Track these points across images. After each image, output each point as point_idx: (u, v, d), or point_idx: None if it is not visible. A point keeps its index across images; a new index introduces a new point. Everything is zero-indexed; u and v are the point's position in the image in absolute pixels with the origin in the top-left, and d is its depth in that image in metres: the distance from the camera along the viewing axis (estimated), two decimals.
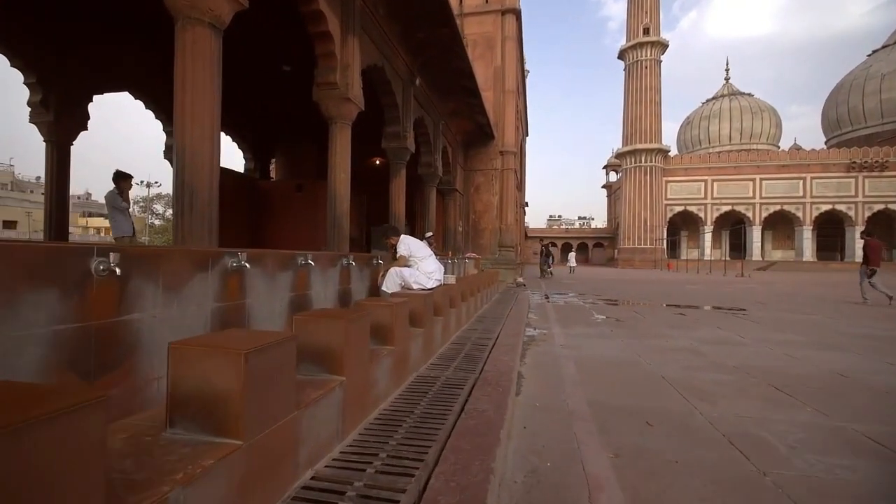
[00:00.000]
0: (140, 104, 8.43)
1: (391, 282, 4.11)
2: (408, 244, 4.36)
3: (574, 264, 31.37)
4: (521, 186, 21.86)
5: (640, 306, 9.04)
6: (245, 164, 11.45)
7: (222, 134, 11.04)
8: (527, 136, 28.09)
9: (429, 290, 4.21)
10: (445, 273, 5.36)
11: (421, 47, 7.79)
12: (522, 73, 20.08)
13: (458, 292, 5.02)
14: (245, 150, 11.25)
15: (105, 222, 65.63)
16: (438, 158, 10.34)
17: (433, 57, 8.24)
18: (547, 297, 10.62)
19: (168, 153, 8.99)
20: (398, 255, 4.30)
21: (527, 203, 35.65)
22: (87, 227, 63.52)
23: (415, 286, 4.18)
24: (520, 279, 13.92)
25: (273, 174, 12.67)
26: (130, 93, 8.10)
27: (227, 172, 10.66)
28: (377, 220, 15.47)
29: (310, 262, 3.11)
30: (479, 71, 13.67)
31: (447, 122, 11.17)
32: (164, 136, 8.86)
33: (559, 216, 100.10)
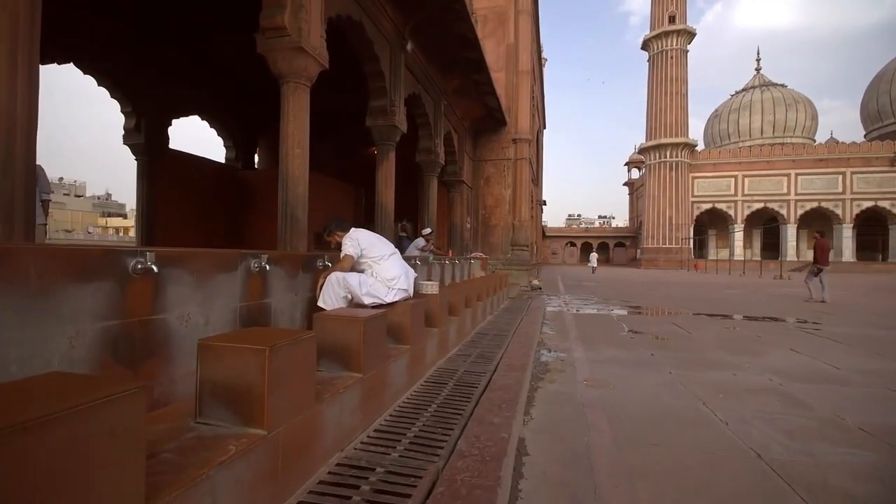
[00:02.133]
0: (90, 80, 7.30)
1: (331, 294, 2.78)
2: (357, 240, 3.02)
3: (595, 265, 30.21)
4: (537, 181, 20.35)
5: (679, 316, 7.52)
6: (226, 154, 10.27)
7: (198, 118, 9.96)
8: (544, 128, 26.51)
9: (387, 304, 2.87)
10: (424, 279, 4.04)
11: (413, 3, 6.45)
12: (539, 55, 18.48)
13: (442, 305, 3.66)
14: (225, 137, 10.07)
15: (125, 222, 66.52)
16: (440, 144, 9.00)
17: (429, 17, 6.88)
18: (566, 304, 9.17)
19: (128, 138, 7.87)
20: (342, 256, 2.97)
21: (545, 201, 34.04)
22: (106, 227, 64.53)
23: (367, 300, 2.84)
24: (535, 282, 12.47)
25: (258, 163, 11.47)
26: (77, 65, 6.97)
27: (203, 162, 9.54)
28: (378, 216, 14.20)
29: (151, 265, 1.79)
30: (490, 49, 12.28)
31: (451, 103, 9.81)
32: (122, 119, 7.74)
33: (578, 215, 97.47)
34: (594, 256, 31.49)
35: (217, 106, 9.51)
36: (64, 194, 67.12)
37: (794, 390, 3.28)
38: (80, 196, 74.32)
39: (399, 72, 6.67)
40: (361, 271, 3.02)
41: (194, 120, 9.63)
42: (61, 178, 72.80)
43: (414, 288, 3.19)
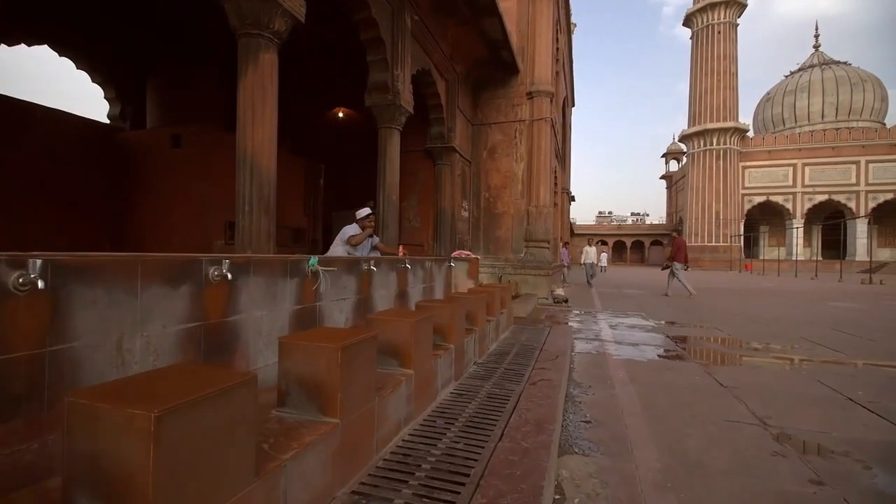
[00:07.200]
0: None
1: None
2: None
3: (605, 264, 24.62)
4: (563, 159, 16.68)
5: (833, 369, 3.94)
6: (109, 110, 7.21)
7: (57, 55, 6.86)
8: (573, 105, 22.74)
9: None
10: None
11: None
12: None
13: None
14: (101, 82, 7.00)
15: None
16: (402, 78, 5.67)
17: None
18: (608, 333, 5.67)
19: None
20: None
21: (573, 196, 30.15)
22: None
23: None
24: (559, 291, 8.97)
25: (149, 121, 8.34)
26: None
27: (56, 117, 6.46)
28: (345, 202, 10.92)
29: None
30: None
31: (429, 23, 6.47)
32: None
33: (609, 212, 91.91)
34: (604, 256, 24.58)
35: (80, 32, 6.42)
36: None
37: None
38: None
39: None
40: None
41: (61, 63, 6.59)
42: None
43: None
